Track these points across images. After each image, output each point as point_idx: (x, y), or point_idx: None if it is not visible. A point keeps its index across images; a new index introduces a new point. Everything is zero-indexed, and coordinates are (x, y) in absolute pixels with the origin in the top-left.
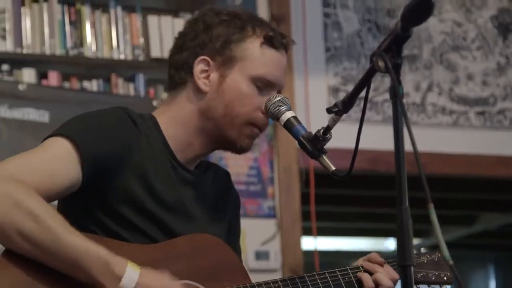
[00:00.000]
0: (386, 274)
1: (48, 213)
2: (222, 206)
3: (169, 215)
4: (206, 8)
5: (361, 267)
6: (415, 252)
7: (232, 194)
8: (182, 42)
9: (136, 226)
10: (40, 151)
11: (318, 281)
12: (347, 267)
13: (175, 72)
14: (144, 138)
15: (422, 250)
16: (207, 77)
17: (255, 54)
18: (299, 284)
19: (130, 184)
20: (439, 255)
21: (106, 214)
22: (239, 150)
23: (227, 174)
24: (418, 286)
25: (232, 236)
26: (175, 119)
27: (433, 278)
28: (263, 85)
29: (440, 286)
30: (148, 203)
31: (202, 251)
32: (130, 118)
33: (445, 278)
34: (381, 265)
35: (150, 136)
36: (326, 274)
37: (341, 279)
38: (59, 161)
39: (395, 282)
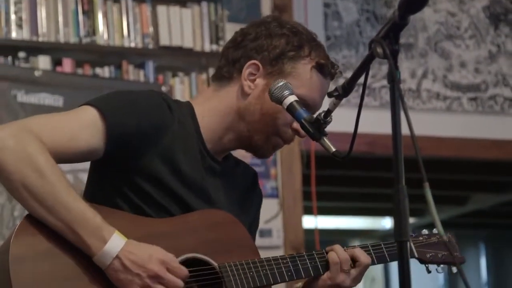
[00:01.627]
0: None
1: (55, 173)
2: (246, 201)
3: (194, 198)
4: (273, 15)
5: (324, 251)
6: (426, 232)
7: (257, 192)
8: (241, 39)
9: (160, 204)
10: (67, 114)
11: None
12: (315, 251)
13: (225, 65)
14: (176, 123)
15: (434, 231)
16: (253, 81)
17: (304, 76)
18: (298, 262)
19: (156, 165)
20: (449, 236)
21: (132, 190)
22: (260, 155)
23: (254, 173)
24: (427, 265)
25: (251, 230)
26: (213, 111)
27: (442, 258)
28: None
29: (449, 266)
30: (173, 185)
31: (214, 226)
32: (165, 102)
33: (454, 258)
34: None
35: (184, 122)
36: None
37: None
38: (82, 127)
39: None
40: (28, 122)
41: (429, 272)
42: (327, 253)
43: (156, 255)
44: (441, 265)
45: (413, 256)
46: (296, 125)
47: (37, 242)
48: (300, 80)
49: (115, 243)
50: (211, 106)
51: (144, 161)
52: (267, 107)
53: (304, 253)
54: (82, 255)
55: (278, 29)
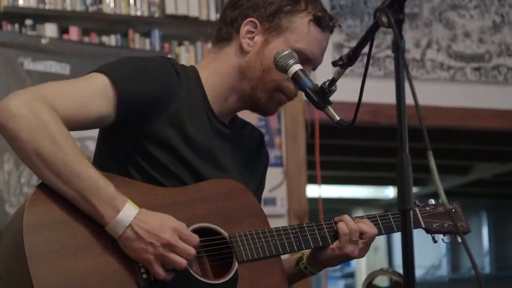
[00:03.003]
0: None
1: (68, 142)
2: (253, 162)
3: (203, 163)
4: None
5: (332, 221)
6: (433, 202)
7: (263, 153)
8: (237, 0)
9: (170, 170)
10: (78, 82)
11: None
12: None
13: (223, 26)
14: (184, 88)
15: (440, 200)
16: (252, 39)
17: (302, 29)
18: (307, 232)
19: (165, 131)
20: (455, 205)
21: (143, 157)
22: (265, 112)
23: (261, 135)
24: (433, 235)
25: (258, 191)
26: (215, 73)
27: (448, 228)
28: (301, 59)
29: (455, 236)
30: (182, 150)
31: (225, 195)
32: (174, 67)
33: (460, 228)
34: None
35: (190, 86)
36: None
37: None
38: (94, 95)
39: (374, 236)
40: (40, 90)
41: (435, 242)
42: (335, 223)
43: (168, 224)
44: (447, 235)
45: (420, 226)
46: None
47: (50, 211)
48: (298, 34)
49: (128, 212)
50: (214, 68)
51: (154, 127)
52: (267, 63)
53: (313, 223)
54: (95, 224)
55: None
